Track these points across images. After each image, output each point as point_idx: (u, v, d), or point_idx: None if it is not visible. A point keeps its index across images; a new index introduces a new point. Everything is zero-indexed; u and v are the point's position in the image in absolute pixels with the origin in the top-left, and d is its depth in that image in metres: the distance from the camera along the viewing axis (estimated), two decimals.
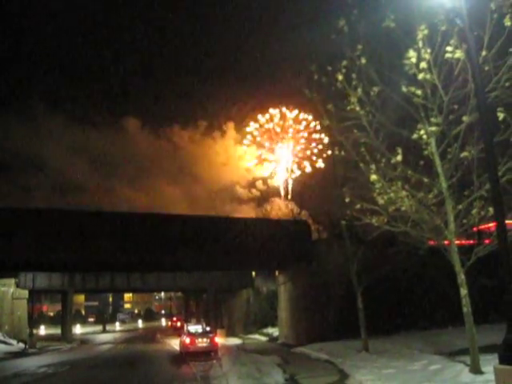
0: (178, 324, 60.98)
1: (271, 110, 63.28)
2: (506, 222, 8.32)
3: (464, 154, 11.98)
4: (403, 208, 12.93)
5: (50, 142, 75.31)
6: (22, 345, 36.53)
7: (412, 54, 11.59)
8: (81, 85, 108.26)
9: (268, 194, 62.69)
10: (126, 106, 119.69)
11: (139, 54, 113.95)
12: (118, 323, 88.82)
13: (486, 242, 13.09)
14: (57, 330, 56.37)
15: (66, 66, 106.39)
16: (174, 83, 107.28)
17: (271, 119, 63.66)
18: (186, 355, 24.54)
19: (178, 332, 43.56)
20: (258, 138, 64.56)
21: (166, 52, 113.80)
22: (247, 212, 55.42)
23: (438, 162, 12.43)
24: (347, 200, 13.97)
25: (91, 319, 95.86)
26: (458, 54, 11.22)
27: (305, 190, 59.41)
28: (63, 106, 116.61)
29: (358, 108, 12.76)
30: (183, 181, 68.16)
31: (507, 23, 10.46)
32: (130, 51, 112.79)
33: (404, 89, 12.02)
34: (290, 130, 63.50)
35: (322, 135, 59.33)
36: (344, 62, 12.47)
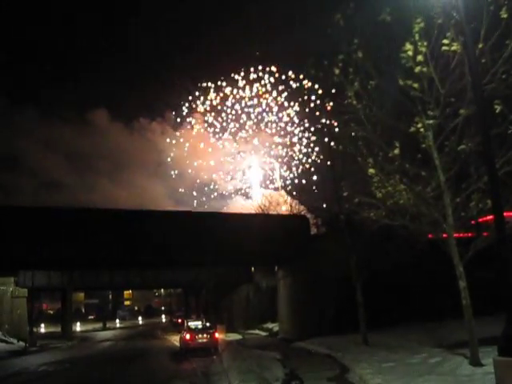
0: (179, 320, 61.30)
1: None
2: (504, 214, 8.32)
3: (461, 146, 11.98)
4: (401, 201, 12.95)
5: (21, 139, 74.32)
6: (22, 343, 36.51)
7: (409, 47, 11.58)
8: (49, 79, 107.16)
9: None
10: (94, 99, 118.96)
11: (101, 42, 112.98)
12: (118, 320, 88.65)
13: (485, 234, 13.11)
14: (57, 328, 56.37)
15: (32, 60, 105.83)
16: (136, 76, 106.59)
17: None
18: (187, 351, 24.57)
19: (178, 328, 43.60)
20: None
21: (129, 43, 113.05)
22: (238, 207, 53.85)
23: (435, 155, 12.43)
24: (345, 194, 14.00)
25: (91, 317, 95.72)
26: (455, 46, 11.23)
27: (302, 184, 58.48)
28: (32, 101, 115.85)
29: (355, 102, 12.77)
30: (164, 175, 66.15)
31: (503, 15, 10.47)
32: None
33: (401, 82, 12.01)
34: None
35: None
36: (341, 56, 12.47)
